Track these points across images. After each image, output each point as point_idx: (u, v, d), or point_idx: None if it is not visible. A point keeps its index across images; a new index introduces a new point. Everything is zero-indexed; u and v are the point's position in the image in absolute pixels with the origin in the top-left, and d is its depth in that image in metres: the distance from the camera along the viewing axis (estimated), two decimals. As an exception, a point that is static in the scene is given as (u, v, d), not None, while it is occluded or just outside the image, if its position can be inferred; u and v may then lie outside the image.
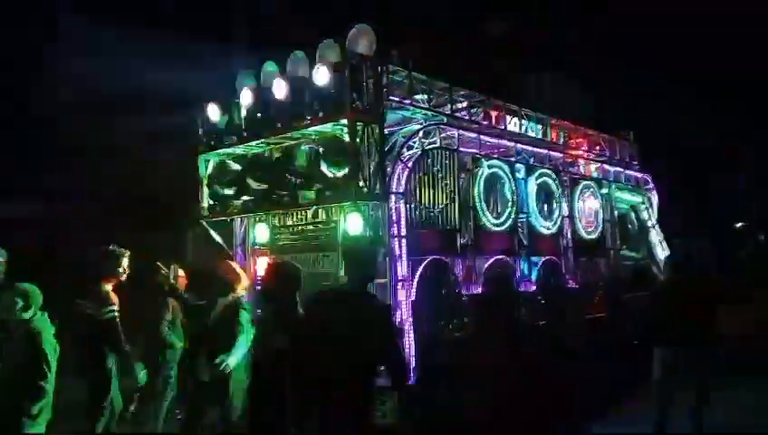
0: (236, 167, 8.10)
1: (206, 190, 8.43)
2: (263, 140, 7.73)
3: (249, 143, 7.88)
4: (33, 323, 4.96)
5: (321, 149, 6.93)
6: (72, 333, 5.99)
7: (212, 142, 8.30)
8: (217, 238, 8.69)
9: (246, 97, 7.73)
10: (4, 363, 4.86)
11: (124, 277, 6.57)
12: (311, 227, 7.97)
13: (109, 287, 6.41)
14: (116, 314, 6.21)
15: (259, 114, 7.54)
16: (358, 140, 6.67)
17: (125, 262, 6.58)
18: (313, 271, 7.71)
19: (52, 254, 5.56)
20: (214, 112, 8.18)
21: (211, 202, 8.45)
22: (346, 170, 6.64)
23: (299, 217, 8.13)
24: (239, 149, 8.20)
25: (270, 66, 8.01)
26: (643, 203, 12.26)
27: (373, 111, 6.80)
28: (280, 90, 7.23)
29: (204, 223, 8.54)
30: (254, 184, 7.73)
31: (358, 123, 6.64)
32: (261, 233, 8.54)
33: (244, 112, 7.81)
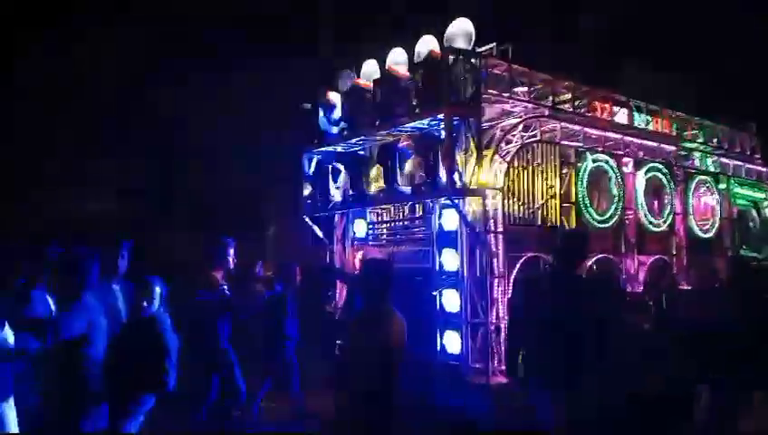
0: (338, 164, 8.31)
1: (308, 187, 8.72)
2: (362, 137, 7.86)
3: (349, 141, 8.05)
4: (158, 317, 4.96)
5: (415, 145, 6.94)
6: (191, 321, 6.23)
7: (314, 141, 8.56)
8: (319, 233, 8.98)
9: (346, 95, 7.92)
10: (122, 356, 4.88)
11: (232, 266, 6.90)
12: (407, 222, 8.03)
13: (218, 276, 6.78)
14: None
15: (358, 112, 7.67)
16: (454, 134, 6.62)
17: (232, 251, 6.93)
18: (407, 265, 7.78)
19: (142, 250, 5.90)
20: (318, 111, 8.45)
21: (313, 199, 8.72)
22: (440, 165, 6.61)
23: (397, 212, 8.23)
24: (340, 147, 8.41)
25: (370, 64, 8.16)
26: (766, 199, 11.27)
27: (470, 106, 6.72)
28: (378, 87, 7.33)
29: (306, 219, 8.83)
30: (352, 180, 7.89)
31: (454, 118, 6.59)
32: (359, 228, 8.72)
33: (344, 111, 8.00)
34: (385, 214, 8.51)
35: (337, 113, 8.27)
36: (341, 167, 8.15)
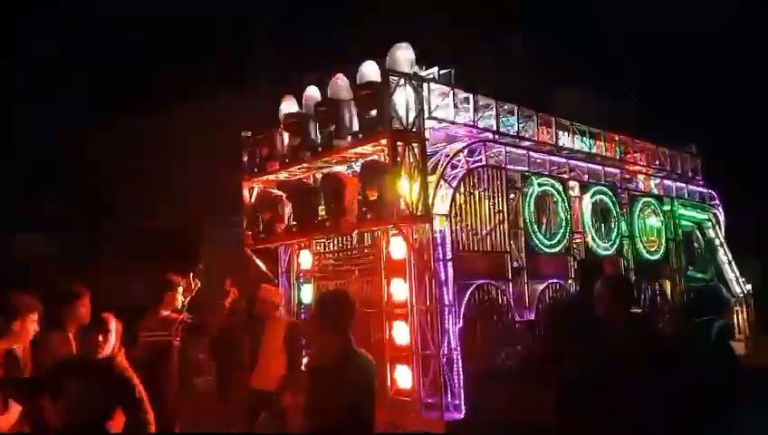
0: (279, 193, 8.00)
1: (249, 218, 8.35)
2: (304, 164, 7.59)
3: (291, 168, 7.76)
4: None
5: (359, 172, 6.71)
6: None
7: (255, 169, 8.24)
8: (262, 266, 8.58)
9: (287, 121, 7.66)
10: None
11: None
12: (355, 252, 7.74)
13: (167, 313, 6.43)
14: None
15: (299, 139, 7.41)
16: (398, 160, 6.41)
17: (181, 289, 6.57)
18: (358, 297, 7.48)
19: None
20: (258, 138, 8.15)
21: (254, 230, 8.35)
22: (385, 192, 6.38)
23: (343, 242, 7.93)
24: (282, 175, 8.11)
25: (311, 90, 7.93)
26: (709, 220, 11.49)
27: (414, 130, 6.54)
28: (318, 113, 7.11)
29: (248, 251, 8.43)
30: (295, 210, 7.58)
31: (398, 143, 6.39)
32: (304, 260, 8.39)
33: (285, 137, 7.74)
34: (331, 244, 8.19)
35: (278, 141, 7.99)
36: (284, 196, 7.84)
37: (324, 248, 8.20)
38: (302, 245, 8.38)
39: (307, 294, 8.32)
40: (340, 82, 7.37)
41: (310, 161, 7.44)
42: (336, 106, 6.97)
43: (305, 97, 7.92)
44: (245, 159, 8.34)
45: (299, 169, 7.68)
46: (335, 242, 8.01)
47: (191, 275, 6.95)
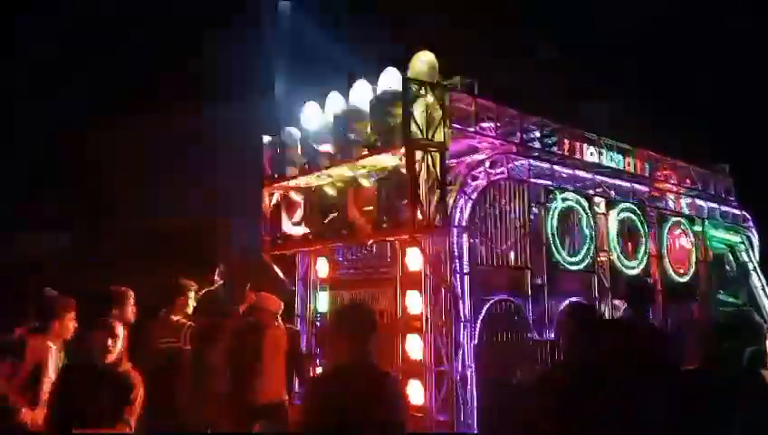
0: (298, 199, 7.93)
1: (266, 224, 8.29)
2: (324, 172, 7.50)
3: (310, 175, 7.68)
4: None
5: (377, 181, 6.60)
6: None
7: (275, 175, 8.19)
8: (279, 273, 8.50)
9: (309, 128, 7.61)
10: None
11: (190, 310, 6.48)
12: (372, 262, 7.61)
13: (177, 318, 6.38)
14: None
15: (319, 146, 7.34)
16: (417, 170, 6.28)
17: (192, 294, 6.52)
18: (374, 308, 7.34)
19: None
20: (278, 144, 8.11)
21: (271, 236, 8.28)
22: (402, 203, 6.25)
23: (361, 251, 7.81)
24: (302, 182, 8.04)
25: (333, 96, 7.85)
26: (742, 243, 11.06)
27: (433, 140, 6.41)
28: (338, 121, 7.03)
29: (266, 257, 8.37)
30: (313, 217, 7.50)
31: (417, 152, 6.26)
32: (321, 268, 8.29)
33: (305, 145, 7.68)
34: (350, 253, 8.07)
35: (299, 148, 7.94)
36: (301, 202, 7.76)
37: (342, 257, 8.10)
38: (320, 252, 8.28)
39: (323, 302, 8.21)
40: (361, 89, 7.28)
41: (329, 169, 7.34)
42: (354, 114, 6.86)
43: (327, 105, 7.85)
44: (266, 163, 8.28)
45: (316, 176, 7.58)
46: (353, 251, 7.90)
47: (217, 271, 6.90)
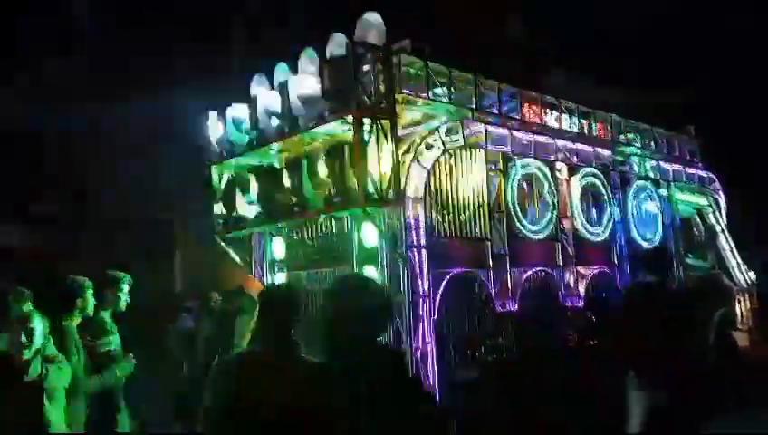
0: (249, 177, 7.56)
1: (218, 205, 7.91)
2: (273, 146, 7.13)
3: (259, 150, 7.31)
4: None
5: (325, 152, 6.27)
6: None
7: (223, 153, 7.79)
8: (235, 257, 8.15)
9: (256, 102, 7.21)
10: None
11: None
12: (328, 240, 7.30)
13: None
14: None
15: (265, 119, 6.96)
16: (367, 139, 5.96)
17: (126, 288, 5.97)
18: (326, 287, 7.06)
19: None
20: (224, 121, 7.70)
21: (225, 218, 7.91)
22: (352, 175, 5.93)
23: (317, 229, 7.49)
24: (252, 159, 7.66)
25: (281, 68, 7.45)
26: (709, 205, 10.96)
27: (383, 107, 6.08)
28: (284, 91, 6.66)
29: (219, 240, 8.00)
30: (263, 195, 7.14)
31: (365, 120, 5.93)
32: (278, 248, 7.96)
33: (252, 118, 7.29)
34: (308, 231, 7.74)
35: (247, 122, 7.54)
36: (253, 180, 7.39)
37: (298, 235, 7.78)
38: (276, 232, 7.95)
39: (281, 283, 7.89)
40: (308, 57, 6.90)
41: (278, 143, 6.97)
42: (301, 83, 6.49)
43: (276, 74, 7.45)
44: (214, 141, 7.88)
45: (267, 150, 7.21)
46: (310, 229, 7.58)
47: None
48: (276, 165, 7.28)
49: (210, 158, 7.88)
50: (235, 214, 7.71)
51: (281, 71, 7.37)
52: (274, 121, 6.98)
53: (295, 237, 7.79)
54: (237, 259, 8.11)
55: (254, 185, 7.38)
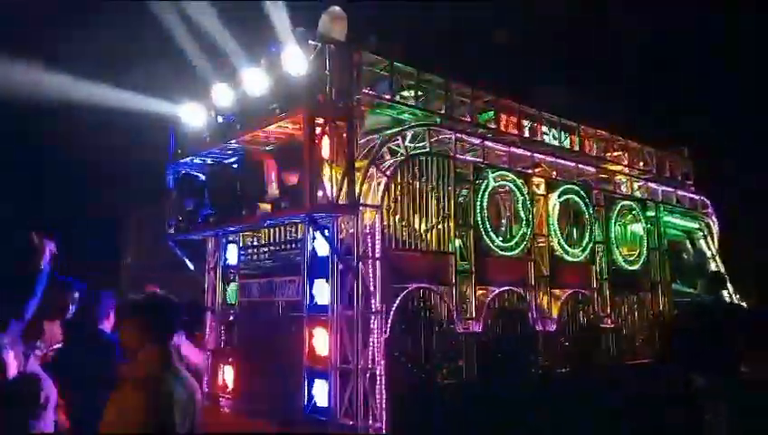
0: (200, 176, 7.10)
1: (172, 206, 7.44)
2: (225, 144, 6.67)
3: (213, 150, 6.85)
4: None
5: (274, 152, 5.80)
6: None
7: (178, 151, 7.34)
8: (187, 261, 7.66)
9: (210, 99, 6.76)
10: None
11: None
12: (281, 247, 6.82)
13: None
14: None
15: (218, 117, 6.51)
16: (318, 140, 5.49)
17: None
18: (279, 299, 6.58)
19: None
20: (185, 116, 7.24)
21: (179, 219, 7.43)
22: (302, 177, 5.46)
23: (271, 235, 7.01)
24: (209, 158, 7.20)
25: (245, 66, 7.01)
26: (700, 229, 10.47)
27: (340, 107, 5.61)
28: (238, 88, 6.21)
29: (171, 243, 7.51)
30: (213, 196, 6.67)
31: (317, 120, 5.46)
32: (231, 254, 7.48)
33: (207, 116, 6.84)
34: (264, 237, 7.26)
35: (206, 120, 7.08)
36: (204, 180, 6.92)
37: (253, 242, 7.30)
38: (231, 238, 7.47)
39: (232, 294, 7.41)
40: (270, 54, 6.46)
41: (228, 142, 6.51)
42: (252, 79, 6.04)
43: (241, 72, 7.00)
44: (171, 140, 7.42)
45: (220, 150, 6.75)
46: (266, 235, 7.10)
47: None
48: (230, 165, 6.81)
49: (166, 157, 7.41)
50: (184, 216, 7.23)
51: (245, 68, 6.92)
52: (227, 118, 6.53)
53: (249, 243, 7.32)
54: (190, 265, 7.61)
55: (205, 186, 6.91)
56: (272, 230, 6.97)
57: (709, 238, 10.74)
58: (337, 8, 5.94)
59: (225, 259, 7.50)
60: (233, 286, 7.44)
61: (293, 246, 6.65)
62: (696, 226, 10.55)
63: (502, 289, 6.86)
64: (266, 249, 7.07)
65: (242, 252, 7.32)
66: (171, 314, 3.04)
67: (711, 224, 10.81)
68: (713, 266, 10.63)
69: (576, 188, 7.95)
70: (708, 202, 10.82)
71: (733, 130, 13.22)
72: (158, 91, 7.03)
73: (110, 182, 8.77)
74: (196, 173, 7.20)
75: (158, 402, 2.71)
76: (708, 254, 10.66)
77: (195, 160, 7.22)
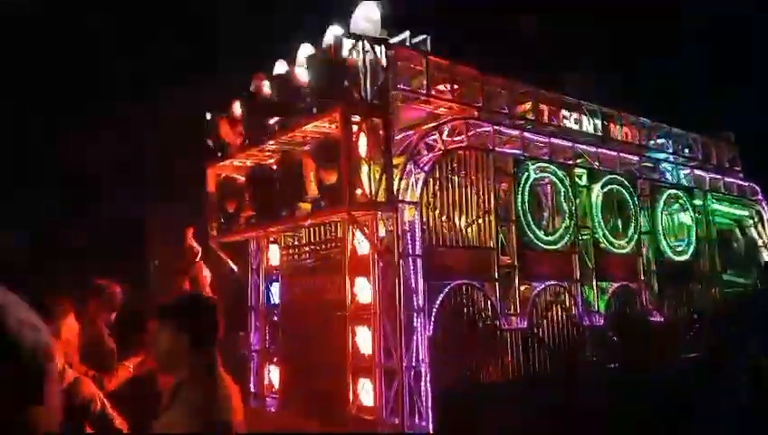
0: (240, 178, 7.16)
1: (213, 208, 7.52)
2: (264, 146, 6.71)
3: (251, 151, 6.90)
4: None
5: (311, 151, 5.80)
6: None
7: (219, 153, 7.41)
8: (230, 263, 7.74)
9: (246, 101, 6.82)
10: None
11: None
12: (321, 246, 6.83)
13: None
14: None
15: (255, 118, 6.55)
16: (355, 138, 5.46)
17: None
18: (322, 298, 6.58)
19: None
20: (222, 120, 7.32)
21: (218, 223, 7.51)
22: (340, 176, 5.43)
23: (312, 234, 7.02)
24: (248, 160, 7.25)
25: (281, 65, 7.05)
26: (750, 217, 10.09)
27: (376, 104, 5.57)
28: (274, 87, 6.24)
29: (213, 245, 7.60)
30: (255, 198, 6.72)
31: (354, 117, 5.44)
32: (273, 254, 7.53)
33: (243, 118, 6.89)
34: (305, 237, 7.28)
35: (242, 123, 7.14)
36: (245, 182, 6.98)
37: (294, 241, 7.33)
38: (272, 238, 7.52)
39: (276, 293, 7.45)
40: (305, 52, 6.47)
41: (268, 142, 6.54)
42: (290, 78, 6.06)
43: (275, 70, 7.04)
44: (210, 142, 7.50)
45: (259, 150, 6.79)
46: (307, 234, 7.12)
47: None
48: (269, 166, 6.85)
49: (207, 158, 7.50)
50: (225, 218, 7.31)
51: (281, 68, 6.96)
52: (264, 119, 6.56)
53: (291, 243, 7.35)
54: (234, 267, 7.69)
55: (246, 188, 6.96)
56: (312, 229, 6.97)
57: (760, 226, 10.35)
58: (371, 3, 5.90)
59: (268, 259, 7.55)
60: (275, 286, 7.48)
61: (334, 244, 6.65)
62: (746, 213, 10.18)
63: (546, 284, 6.73)
64: (307, 248, 7.09)
65: (283, 252, 7.35)
66: (215, 315, 2.86)
67: (762, 211, 10.42)
68: (765, 255, 10.25)
69: (620, 178, 7.74)
70: (758, 189, 10.43)
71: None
72: (204, 91, 7.09)
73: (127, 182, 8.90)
74: (234, 175, 7.26)
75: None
76: (760, 242, 10.28)
77: (235, 162, 7.28)
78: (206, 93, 7.51)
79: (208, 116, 7.49)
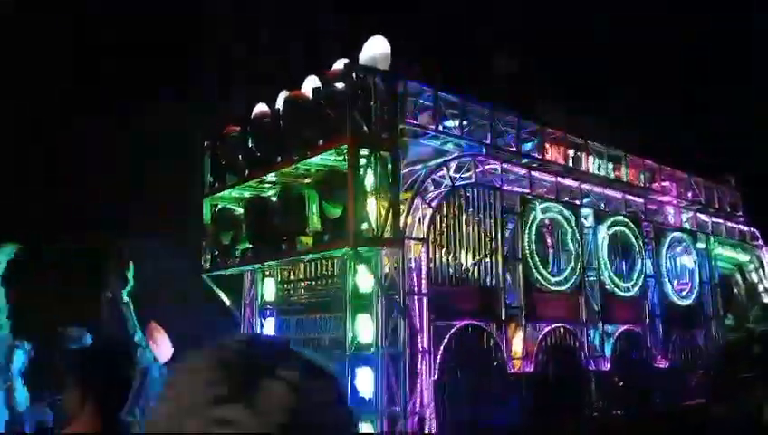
0: (236, 209, 6.94)
1: (208, 239, 7.26)
2: (265, 177, 6.50)
3: (251, 182, 6.68)
4: None
5: (315, 183, 5.61)
6: None
7: (216, 184, 7.19)
8: (222, 296, 7.44)
9: (248, 127, 6.63)
10: None
11: None
12: (319, 281, 6.57)
13: None
14: None
15: (258, 146, 6.36)
16: (363, 172, 5.29)
17: None
18: (319, 336, 6.31)
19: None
20: (218, 149, 7.12)
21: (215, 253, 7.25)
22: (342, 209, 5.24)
23: (310, 269, 6.77)
24: (247, 190, 7.04)
25: (283, 95, 6.89)
26: (751, 262, 10.00)
27: (384, 138, 5.42)
28: (278, 116, 6.07)
29: (205, 277, 7.32)
30: (252, 230, 6.49)
31: (362, 150, 5.27)
32: (268, 289, 7.26)
33: (244, 145, 6.70)
34: (302, 272, 7.02)
35: (241, 151, 6.94)
36: (242, 214, 6.76)
37: (290, 276, 7.06)
38: (267, 272, 7.25)
39: (270, 330, 7.15)
40: (310, 84, 6.33)
41: (269, 172, 6.33)
42: (295, 107, 5.90)
43: (278, 102, 6.89)
44: (208, 172, 7.28)
45: (257, 182, 6.58)
46: (304, 269, 6.86)
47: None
48: (268, 198, 6.64)
49: (202, 187, 7.27)
50: (220, 250, 7.06)
51: (284, 97, 6.81)
52: (266, 147, 6.37)
53: (287, 278, 7.09)
54: (227, 300, 7.40)
55: (243, 219, 6.74)
56: (310, 264, 6.73)
57: (761, 271, 10.25)
58: (381, 37, 5.80)
59: (262, 294, 7.27)
60: (269, 322, 7.20)
61: (332, 280, 6.41)
62: (747, 258, 10.10)
63: (553, 326, 6.52)
64: (304, 284, 6.83)
65: (278, 287, 7.09)
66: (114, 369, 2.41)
67: (762, 256, 10.34)
68: (765, 299, 10.14)
69: (625, 219, 7.61)
70: (758, 234, 10.36)
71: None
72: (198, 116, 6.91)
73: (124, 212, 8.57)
74: (230, 206, 7.05)
75: None
76: (760, 287, 10.17)
77: (233, 193, 7.06)
78: (198, 120, 7.32)
79: (206, 144, 7.29)
